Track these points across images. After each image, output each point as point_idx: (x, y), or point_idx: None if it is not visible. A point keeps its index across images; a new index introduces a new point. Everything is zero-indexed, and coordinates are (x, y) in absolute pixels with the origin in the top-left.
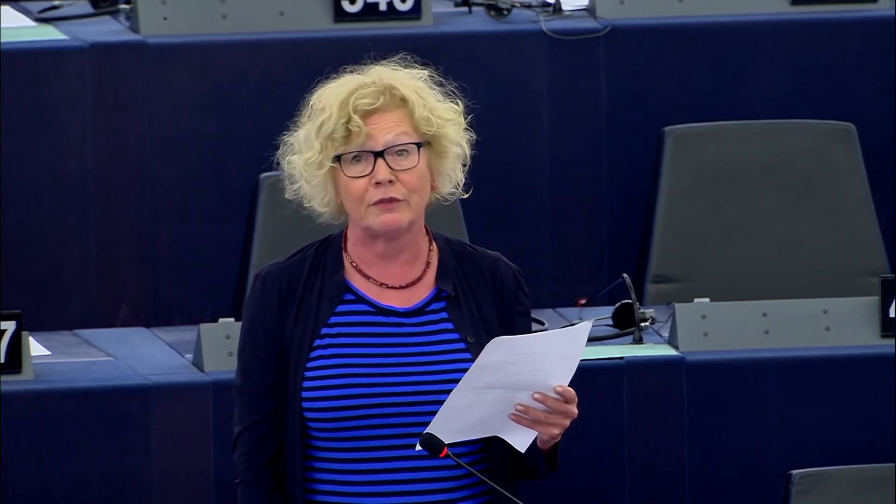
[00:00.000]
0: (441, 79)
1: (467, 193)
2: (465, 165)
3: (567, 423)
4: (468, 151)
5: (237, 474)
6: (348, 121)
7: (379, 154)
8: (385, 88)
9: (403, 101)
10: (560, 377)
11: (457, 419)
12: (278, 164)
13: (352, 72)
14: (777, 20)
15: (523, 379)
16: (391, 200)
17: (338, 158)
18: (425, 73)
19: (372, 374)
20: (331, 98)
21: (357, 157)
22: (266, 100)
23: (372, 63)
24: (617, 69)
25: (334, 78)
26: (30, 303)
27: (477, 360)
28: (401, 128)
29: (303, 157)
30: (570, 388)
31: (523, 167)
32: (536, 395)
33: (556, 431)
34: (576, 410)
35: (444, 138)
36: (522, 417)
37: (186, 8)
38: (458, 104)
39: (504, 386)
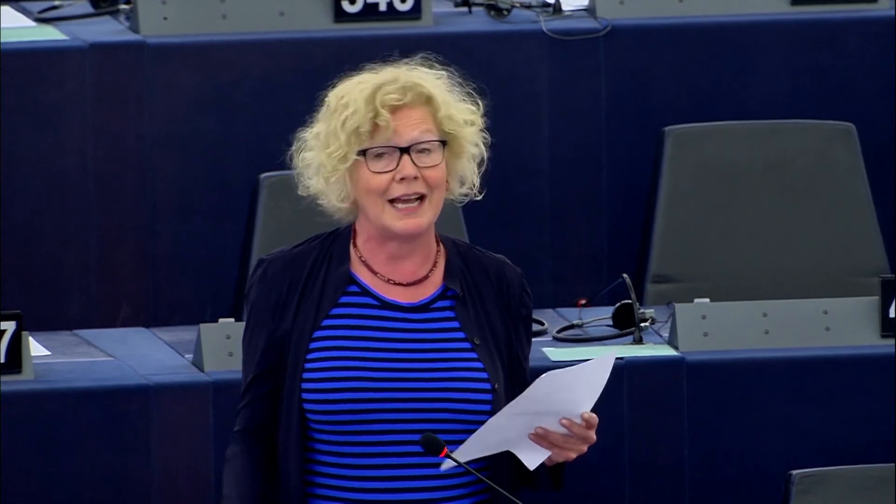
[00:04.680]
0: (460, 80)
1: (481, 195)
2: (480, 166)
3: (584, 448)
4: (485, 153)
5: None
6: (375, 115)
7: (405, 150)
8: (411, 86)
9: (429, 99)
10: (586, 404)
11: (482, 441)
12: (290, 159)
13: (369, 70)
14: (777, 20)
15: (556, 407)
16: (415, 200)
17: (363, 153)
18: (444, 73)
19: (375, 367)
20: (355, 93)
21: (381, 154)
22: (266, 100)
23: (394, 60)
24: (617, 69)
25: (351, 76)
26: (30, 303)
27: (524, 392)
28: (425, 125)
29: (324, 152)
30: (594, 415)
31: (523, 167)
32: (564, 422)
33: (573, 455)
34: (594, 436)
35: (462, 139)
36: (542, 440)
37: (186, 8)
38: (478, 104)
39: (537, 412)
